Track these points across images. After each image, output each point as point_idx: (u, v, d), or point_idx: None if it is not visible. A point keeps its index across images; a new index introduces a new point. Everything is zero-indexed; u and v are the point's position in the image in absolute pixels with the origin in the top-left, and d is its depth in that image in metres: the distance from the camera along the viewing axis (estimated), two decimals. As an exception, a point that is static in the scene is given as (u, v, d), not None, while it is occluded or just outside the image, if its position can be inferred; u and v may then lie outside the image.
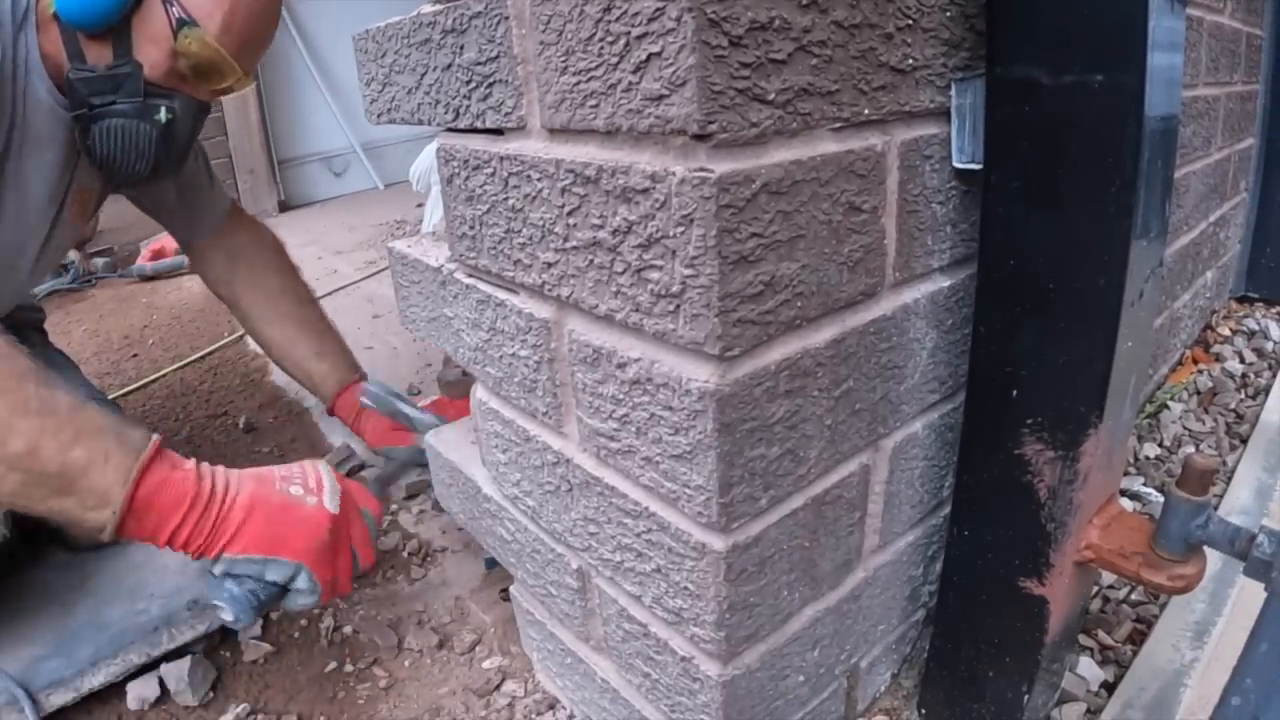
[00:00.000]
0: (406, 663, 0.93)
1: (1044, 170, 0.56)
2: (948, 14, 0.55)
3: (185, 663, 0.89)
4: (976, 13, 0.57)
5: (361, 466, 1.32)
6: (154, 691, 0.88)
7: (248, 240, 1.33)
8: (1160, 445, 1.17)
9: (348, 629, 0.98)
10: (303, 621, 1.00)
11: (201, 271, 1.35)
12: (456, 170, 0.66)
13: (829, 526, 0.61)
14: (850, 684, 0.73)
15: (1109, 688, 0.75)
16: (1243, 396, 1.30)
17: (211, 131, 3.14)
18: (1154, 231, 0.57)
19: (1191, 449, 1.17)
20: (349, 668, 0.92)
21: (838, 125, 0.50)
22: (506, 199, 0.60)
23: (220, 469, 0.75)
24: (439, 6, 0.60)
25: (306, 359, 1.28)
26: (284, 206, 3.61)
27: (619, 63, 0.45)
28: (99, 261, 2.77)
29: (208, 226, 1.29)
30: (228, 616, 0.73)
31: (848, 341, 0.55)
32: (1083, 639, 0.81)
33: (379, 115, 0.78)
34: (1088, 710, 0.73)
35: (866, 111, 0.51)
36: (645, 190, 0.46)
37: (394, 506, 1.22)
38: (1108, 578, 0.89)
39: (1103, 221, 0.54)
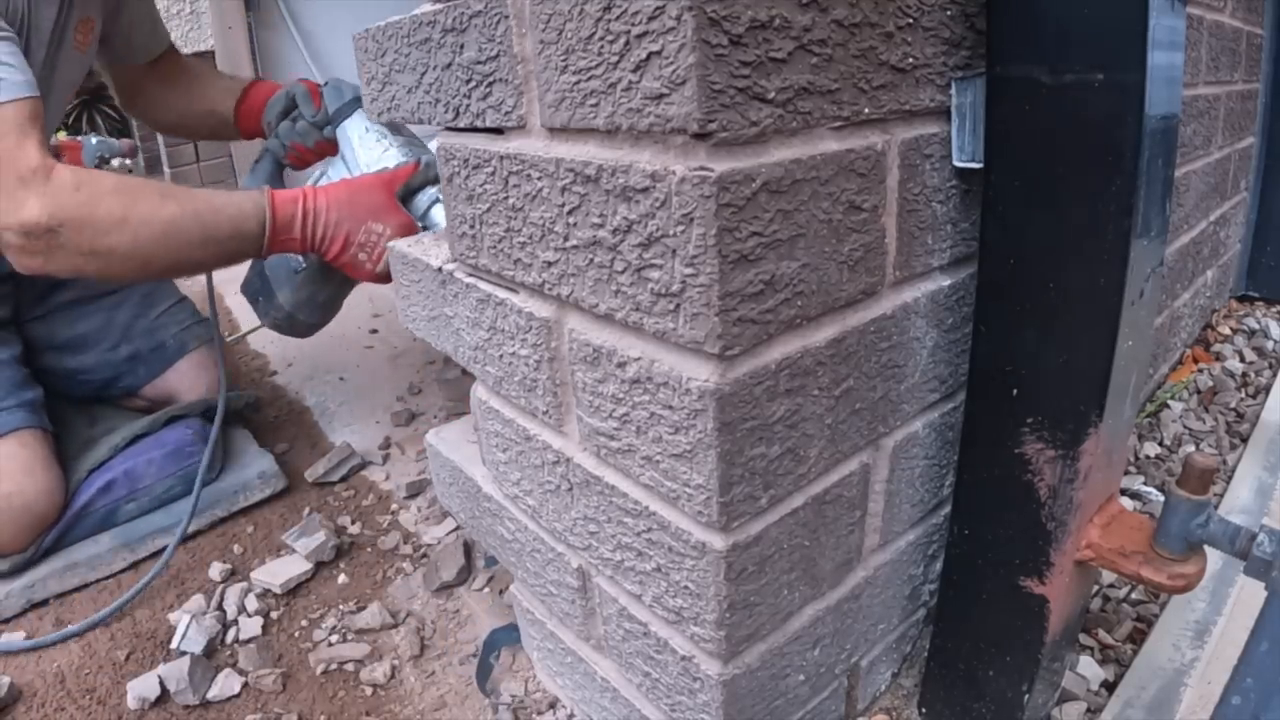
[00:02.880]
0: (407, 662, 0.93)
1: (1044, 169, 0.56)
2: (948, 13, 0.55)
3: (185, 662, 0.89)
4: (977, 11, 0.57)
5: (363, 466, 1.32)
6: (154, 691, 0.88)
7: (185, 63, 1.45)
8: (1161, 444, 1.17)
9: (349, 628, 0.98)
10: (304, 621, 1.00)
11: (133, 97, 1.45)
12: (456, 169, 0.66)
13: (829, 525, 0.61)
14: (851, 683, 0.73)
15: (1109, 687, 0.75)
16: (1243, 395, 1.30)
17: (212, 130, 3.13)
18: (1154, 230, 0.57)
19: (1192, 448, 1.17)
20: (350, 667, 0.93)
21: (838, 124, 0.50)
22: (506, 198, 0.60)
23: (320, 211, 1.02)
24: (439, 5, 0.60)
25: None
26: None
27: (619, 61, 0.45)
28: None
29: (147, 55, 1.38)
30: None
31: (848, 340, 0.55)
32: (1083, 638, 0.81)
33: (379, 114, 0.78)
34: (1088, 709, 0.73)
35: (867, 110, 0.51)
36: (645, 189, 0.46)
37: (394, 506, 1.22)
38: (1108, 577, 0.89)
39: (1103, 220, 0.54)
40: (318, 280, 1.18)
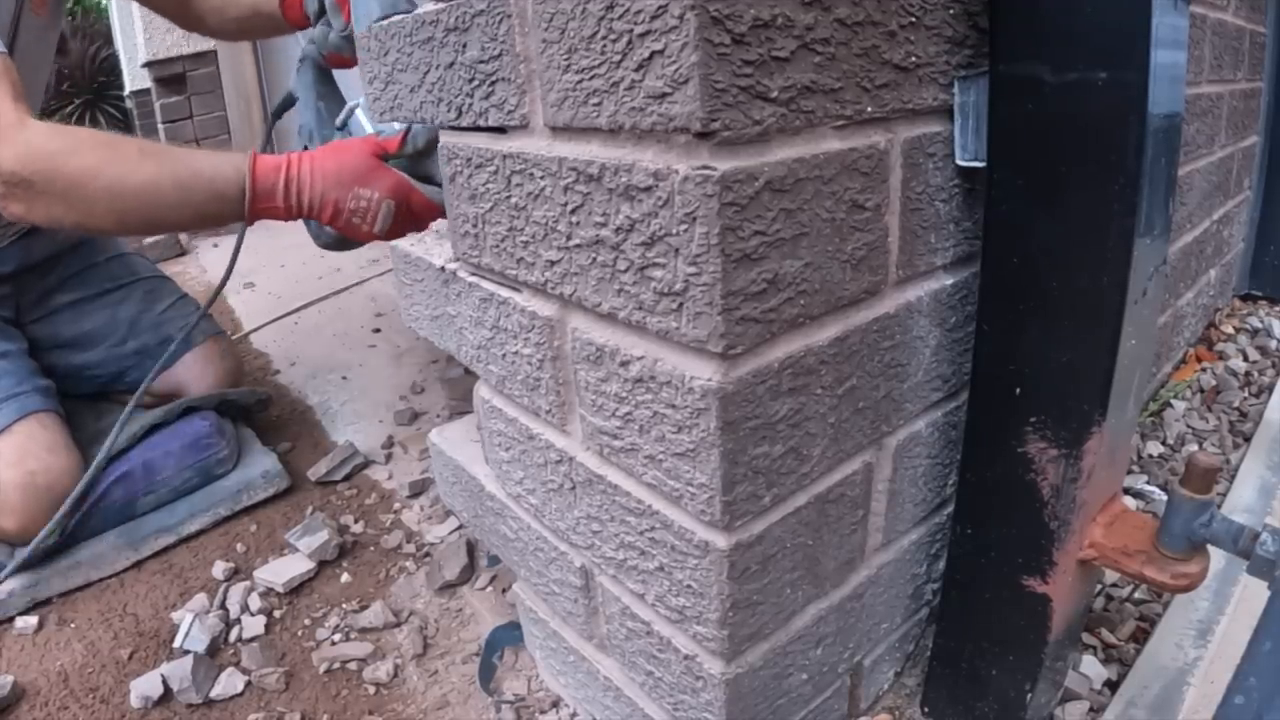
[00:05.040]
0: (410, 661, 0.93)
1: (1047, 168, 0.56)
2: (951, 11, 0.55)
3: (188, 661, 0.90)
4: (980, 10, 0.57)
5: (366, 465, 1.32)
6: (157, 690, 0.88)
7: None
8: (1163, 443, 1.17)
9: (352, 627, 0.98)
10: (306, 620, 1.00)
11: (193, 20, 1.44)
12: (459, 169, 0.66)
13: (832, 525, 0.61)
14: (853, 682, 0.73)
15: (1112, 686, 0.75)
16: (1246, 394, 1.30)
17: (214, 130, 3.14)
18: (1157, 229, 0.57)
19: (1195, 447, 1.17)
20: (353, 666, 0.93)
21: (841, 123, 0.50)
22: (509, 197, 0.60)
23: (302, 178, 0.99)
24: (441, 5, 0.60)
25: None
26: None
27: (621, 61, 0.45)
28: None
29: None
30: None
31: (851, 339, 0.55)
32: (1086, 637, 0.80)
33: (382, 114, 0.78)
34: (1091, 708, 0.73)
35: (869, 109, 0.51)
36: (648, 188, 0.46)
37: (397, 505, 1.22)
38: (1111, 576, 0.88)
39: (1106, 219, 0.54)
40: None
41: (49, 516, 1.07)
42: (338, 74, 1.26)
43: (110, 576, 1.11)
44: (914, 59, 0.54)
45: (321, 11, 1.26)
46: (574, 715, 0.82)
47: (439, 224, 1.05)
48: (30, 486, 1.04)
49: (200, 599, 1.04)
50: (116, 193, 0.93)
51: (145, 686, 0.89)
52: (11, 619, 1.04)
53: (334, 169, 0.98)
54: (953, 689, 0.73)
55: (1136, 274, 0.55)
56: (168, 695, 0.89)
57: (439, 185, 1.02)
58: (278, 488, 1.26)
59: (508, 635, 0.90)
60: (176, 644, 0.96)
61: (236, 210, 0.98)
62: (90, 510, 1.12)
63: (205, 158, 0.98)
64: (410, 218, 1.01)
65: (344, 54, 1.23)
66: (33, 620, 1.02)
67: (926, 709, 0.76)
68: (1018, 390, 0.61)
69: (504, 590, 1.01)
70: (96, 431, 1.23)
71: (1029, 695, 0.67)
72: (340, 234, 1.15)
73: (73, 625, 1.02)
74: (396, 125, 1.07)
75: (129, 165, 0.94)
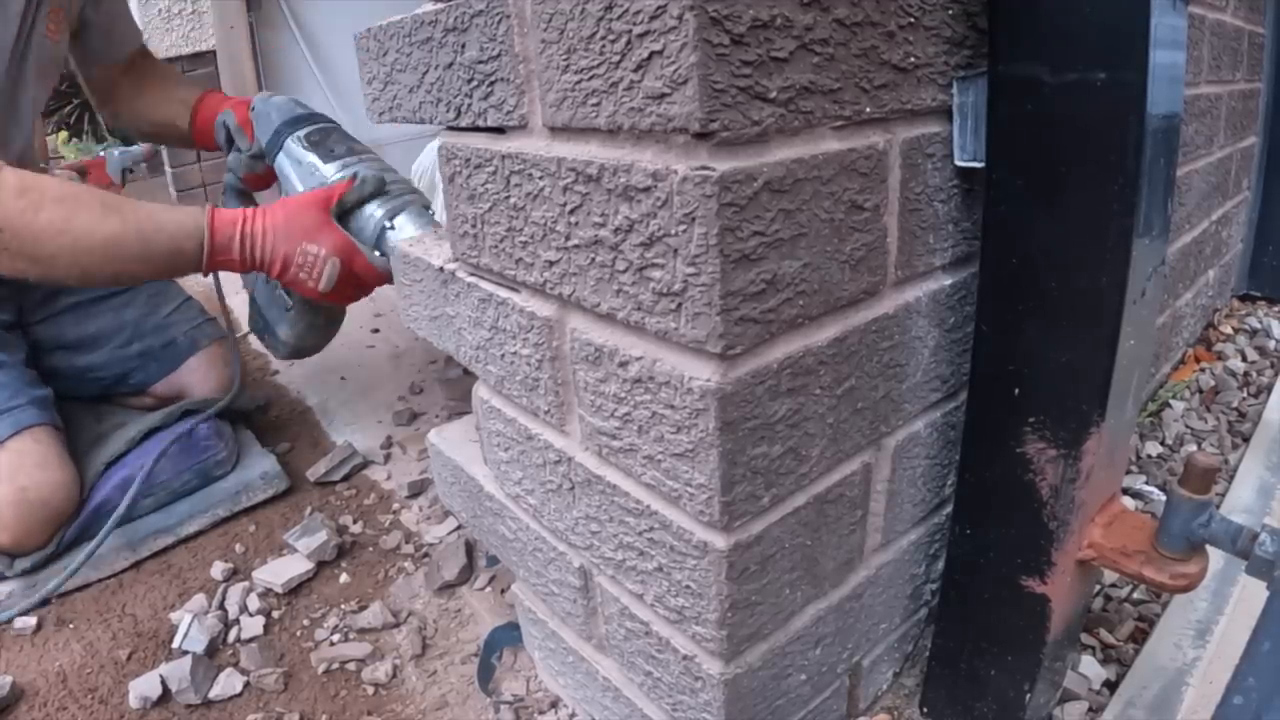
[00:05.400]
0: (409, 661, 0.93)
1: (1046, 168, 0.56)
2: (950, 12, 0.55)
3: (186, 661, 0.89)
4: (979, 10, 0.57)
5: (364, 465, 1.32)
6: (156, 690, 0.88)
7: (155, 65, 1.47)
8: (1162, 444, 1.17)
9: (350, 627, 0.98)
10: (305, 621, 1.00)
11: (109, 100, 1.45)
12: (458, 169, 0.66)
13: (831, 525, 0.61)
14: (852, 682, 0.73)
15: (1111, 686, 0.75)
16: (1245, 395, 1.30)
17: (213, 131, 3.13)
18: (1156, 230, 0.57)
19: (1194, 447, 1.17)
20: (351, 666, 0.93)
21: (840, 123, 0.50)
22: (508, 197, 0.60)
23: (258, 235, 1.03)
24: (440, 5, 0.60)
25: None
26: (286, 206, 3.60)
27: (620, 61, 0.45)
28: None
29: (124, 52, 1.40)
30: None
31: (850, 340, 0.55)
32: (1085, 637, 0.80)
33: (381, 114, 0.78)
34: (1089, 709, 0.73)
35: (868, 110, 0.51)
36: (647, 189, 0.46)
37: (396, 505, 1.22)
38: (1109, 576, 0.88)
39: (1105, 220, 0.54)
40: (309, 312, 1.18)
41: (42, 531, 1.07)
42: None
43: (109, 577, 1.11)
44: (913, 59, 0.54)
45: (230, 140, 1.28)
46: (573, 715, 0.82)
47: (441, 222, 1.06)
48: (23, 502, 1.04)
49: (199, 599, 1.03)
50: (82, 248, 0.97)
51: (144, 687, 0.89)
52: (10, 619, 1.04)
53: (284, 223, 1.02)
54: (951, 689, 0.73)
55: (1135, 274, 0.55)
56: (166, 696, 0.89)
57: (385, 255, 1.05)
58: (276, 489, 1.26)
59: (507, 636, 0.90)
60: (175, 644, 0.96)
61: (195, 263, 1.02)
62: (91, 517, 1.12)
63: (165, 212, 1.02)
64: (353, 280, 1.05)
65: (257, 173, 1.26)
66: (31, 621, 1.02)
67: (925, 709, 0.76)
68: (1016, 390, 0.61)
69: (503, 590, 1.01)
70: (98, 435, 1.23)
71: (1028, 695, 0.67)
72: (297, 341, 1.17)
73: (71, 626, 1.02)
74: (331, 175, 1.09)
75: (93, 221, 0.97)
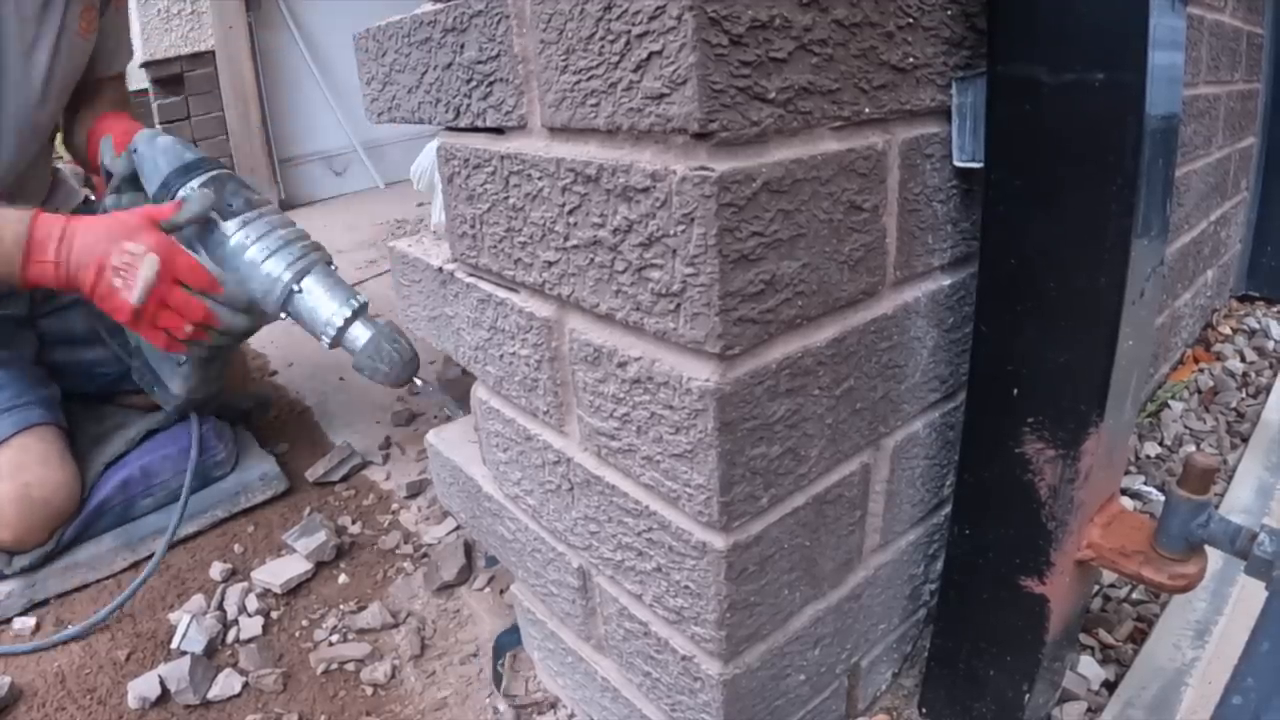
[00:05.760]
0: (408, 662, 0.93)
1: (1045, 169, 0.56)
2: (948, 12, 0.55)
3: (185, 662, 0.89)
4: (977, 11, 0.57)
5: (363, 466, 1.32)
6: (155, 690, 0.88)
7: (121, 92, 1.39)
8: (1161, 444, 1.17)
9: (349, 628, 0.98)
10: (304, 621, 1.00)
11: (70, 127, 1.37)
12: (457, 169, 0.66)
13: (830, 525, 0.61)
14: (851, 683, 0.73)
15: (1110, 686, 0.75)
16: (1244, 395, 1.30)
17: (212, 131, 3.13)
18: (1155, 230, 0.57)
19: (1192, 448, 1.17)
20: (350, 667, 0.93)
21: (838, 124, 0.50)
22: (507, 198, 0.60)
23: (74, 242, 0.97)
24: (439, 5, 0.60)
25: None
26: (285, 206, 3.59)
27: (619, 61, 0.45)
28: None
29: (112, 68, 1.33)
30: None
31: (848, 340, 0.55)
32: (1083, 638, 0.80)
33: (379, 114, 0.78)
34: (1088, 709, 0.73)
35: (867, 110, 0.51)
36: (646, 189, 0.46)
37: (395, 506, 1.22)
38: (1108, 577, 0.88)
39: (1104, 220, 0.54)
40: (201, 366, 1.14)
41: (43, 529, 1.07)
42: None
43: (108, 578, 1.11)
44: (912, 60, 0.54)
45: (109, 175, 1.19)
46: (572, 716, 0.82)
47: (437, 225, 1.05)
48: (26, 499, 1.04)
49: (198, 600, 1.03)
50: None
51: (143, 687, 0.88)
52: (9, 620, 1.03)
53: (105, 226, 0.98)
54: (950, 689, 0.73)
55: (1134, 275, 0.55)
56: (165, 696, 0.89)
57: (217, 262, 1.02)
58: (276, 490, 1.26)
59: (511, 640, 0.90)
60: (174, 645, 0.96)
61: (10, 262, 0.96)
62: (91, 517, 1.12)
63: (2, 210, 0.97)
64: (172, 281, 0.98)
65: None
66: (30, 621, 1.02)
67: (924, 709, 0.76)
68: (1015, 391, 0.61)
69: (502, 591, 1.01)
70: (98, 435, 1.23)
71: (1027, 696, 0.67)
72: (189, 395, 1.13)
73: (70, 626, 1.02)
74: (230, 232, 1.03)
75: None
